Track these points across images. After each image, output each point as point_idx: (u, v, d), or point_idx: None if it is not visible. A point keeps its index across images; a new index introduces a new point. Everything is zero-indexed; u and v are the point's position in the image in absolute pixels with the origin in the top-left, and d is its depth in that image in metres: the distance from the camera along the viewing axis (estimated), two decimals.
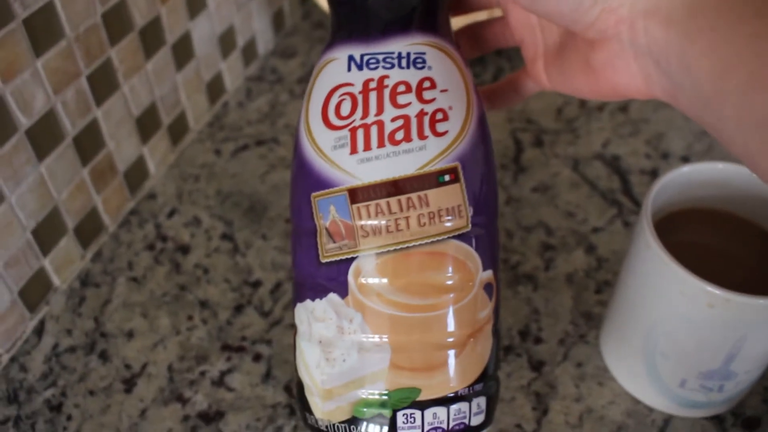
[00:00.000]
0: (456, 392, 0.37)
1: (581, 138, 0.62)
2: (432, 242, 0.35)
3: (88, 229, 0.54)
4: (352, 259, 0.35)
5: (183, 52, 0.60)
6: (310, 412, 0.38)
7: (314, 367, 0.38)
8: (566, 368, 0.47)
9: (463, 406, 0.37)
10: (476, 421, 0.37)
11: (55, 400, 0.46)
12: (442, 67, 0.36)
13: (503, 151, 0.61)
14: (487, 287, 0.37)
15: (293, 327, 0.48)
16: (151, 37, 0.55)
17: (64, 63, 0.47)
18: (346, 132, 0.35)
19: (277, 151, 0.62)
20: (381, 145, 0.34)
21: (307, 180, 0.36)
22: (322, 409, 0.37)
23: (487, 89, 0.42)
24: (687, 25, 0.27)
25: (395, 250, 0.35)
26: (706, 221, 0.44)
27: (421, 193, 0.35)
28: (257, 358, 0.47)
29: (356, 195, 0.35)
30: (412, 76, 0.35)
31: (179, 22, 0.58)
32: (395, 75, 0.35)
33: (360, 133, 0.35)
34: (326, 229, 0.36)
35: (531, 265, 0.52)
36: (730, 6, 0.26)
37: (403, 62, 0.35)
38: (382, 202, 0.35)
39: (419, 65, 0.35)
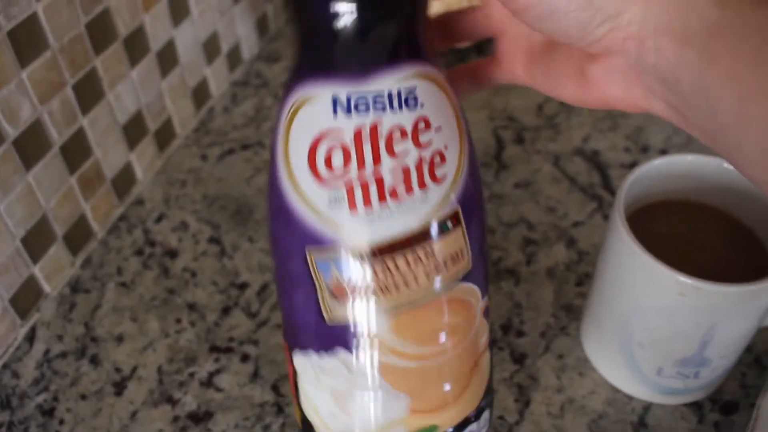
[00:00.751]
0: (468, 416, 0.38)
1: (562, 134, 0.63)
2: (440, 292, 0.34)
3: (77, 236, 0.55)
4: (362, 319, 0.34)
5: (167, 59, 0.61)
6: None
7: (327, 415, 0.38)
8: (548, 360, 0.48)
9: (474, 426, 0.39)
10: (484, 426, 0.40)
11: (47, 405, 0.47)
12: (434, 100, 0.33)
13: (485, 149, 0.62)
14: (485, 312, 0.38)
15: (281, 327, 0.49)
16: (136, 46, 0.56)
17: (50, 73, 0.48)
18: (342, 188, 0.32)
19: (263, 154, 0.63)
20: (382, 201, 0.32)
21: (298, 233, 0.33)
22: None
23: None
24: (706, 47, 0.25)
25: (406, 307, 0.34)
26: (680, 212, 0.45)
27: (427, 246, 0.33)
28: (245, 358, 0.48)
29: (360, 257, 0.32)
30: (407, 118, 0.32)
31: (163, 30, 0.59)
32: (388, 119, 0.31)
33: (358, 190, 0.32)
34: (329, 289, 0.34)
35: (513, 260, 0.53)
36: (755, 29, 0.25)
37: (395, 102, 0.31)
38: (389, 261, 0.33)
39: (412, 104, 0.32)
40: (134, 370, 0.48)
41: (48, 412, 0.46)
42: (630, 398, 0.46)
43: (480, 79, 0.38)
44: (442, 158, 0.33)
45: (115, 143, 0.57)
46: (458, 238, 0.34)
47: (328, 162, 0.32)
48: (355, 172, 0.31)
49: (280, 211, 0.34)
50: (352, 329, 0.34)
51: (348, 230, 0.32)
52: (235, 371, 0.48)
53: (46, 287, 0.53)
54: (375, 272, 0.33)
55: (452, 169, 0.33)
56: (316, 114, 0.32)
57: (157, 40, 0.59)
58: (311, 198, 0.32)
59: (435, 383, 0.36)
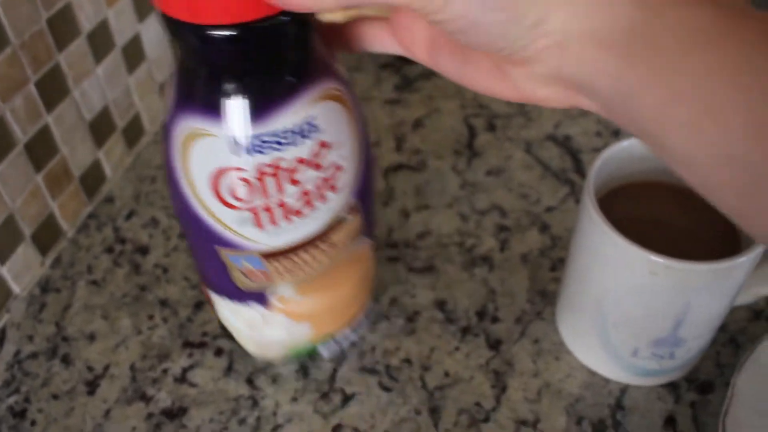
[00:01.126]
0: (356, 315, 0.45)
1: (533, 120, 0.63)
2: (339, 261, 0.39)
3: (46, 235, 0.54)
4: (271, 288, 0.38)
5: (134, 54, 0.60)
6: (243, 349, 0.46)
7: (244, 333, 0.43)
8: (523, 345, 0.48)
9: (361, 318, 0.46)
10: (369, 315, 0.48)
11: (19, 407, 0.46)
12: (332, 119, 0.33)
13: (457, 137, 0.62)
14: (373, 245, 0.43)
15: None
16: (100, 41, 0.56)
17: (11, 70, 0.47)
18: (248, 212, 0.34)
19: None
20: (287, 219, 0.34)
21: (210, 239, 0.36)
22: (257, 353, 0.45)
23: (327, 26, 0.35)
24: (625, 51, 0.24)
25: (310, 278, 0.38)
26: (650, 193, 0.45)
27: (328, 239, 0.36)
28: (218, 352, 0.48)
29: (269, 255, 0.35)
30: (306, 149, 0.33)
31: (128, 25, 0.58)
32: (290, 154, 0.32)
33: (264, 214, 0.34)
34: (240, 271, 0.37)
35: (486, 247, 0.53)
36: (674, 30, 0.24)
37: (294, 138, 0.32)
38: (294, 256, 0.36)
39: (312, 133, 0.32)
40: (107, 368, 0.48)
41: (19, 414, 0.46)
42: (607, 381, 0.46)
43: (367, 41, 0.35)
44: (341, 169, 0.35)
45: (82, 141, 0.56)
46: (356, 221, 0.38)
47: (232, 192, 0.33)
48: (260, 201, 0.33)
49: (188, 216, 0.35)
50: (262, 295, 0.39)
51: (255, 240, 0.35)
52: (209, 366, 0.47)
53: (15, 288, 0.52)
54: (282, 264, 0.36)
55: (349, 174, 0.35)
56: (214, 150, 0.32)
57: (123, 35, 0.58)
58: (218, 215, 0.34)
59: (334, 311, 0.43)
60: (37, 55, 0.49)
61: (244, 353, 0.48)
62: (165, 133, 0.34)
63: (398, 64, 0.69)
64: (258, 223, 0.34)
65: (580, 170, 0.59)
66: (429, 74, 0.68)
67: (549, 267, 0.52)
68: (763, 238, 0.25)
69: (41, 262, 0.54)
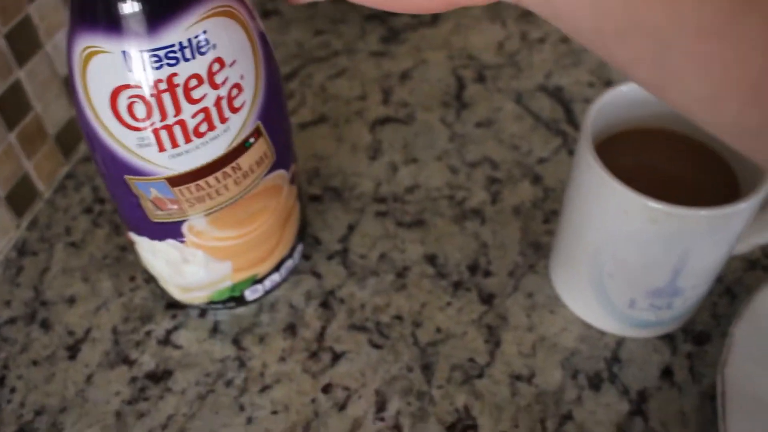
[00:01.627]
0: (283, 257, 0.45)
1: (523, 71, 0.61)
2: (249, 190, 0.39)
3: (21, 196, 0.52)
4: (184, 220, 0.38)
5: None
6: (170, 294, 0.45)
7: (166, 276, 0.43)
8: (517, 299, 0.46)
9: (289, 262, 0.46)
10: (297, 259, 0.47)
11: None
12: (226, 35, 0.34)
13: (445, 89, 0.60)
14: (292, 178, 0.42)
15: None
16: None
17: None
18: (148, 133, 0.34)
19: None
20: (188, 140, 0.34)
21: (116, 166, 0.36)
22: (181, 297, 0.45)
23: None
24: None
25: (221, 208, 0.38)
26: (647, 140, 0.44)
27: (234, 164, 0.37)
28: (203, 313, 0.46)
29: (175, 181, 0.36)
30: (200, 65, 0.33)
31: None
32: (183, 70, 0.33)
33: (164, 134, 0.34)
34: (151, 201, 0.37)
35: (477, 199, 0.52)
36: None
37: (187, 53, 0.32)
38: (201, 181, 0.36)
39: (204, 49, 0.33)
40: (88, 332, 0.46)
41: None
42: (602, 333, 0.45)
43: None
44: (240, 88, 0.35)
45: (56, 97, 0.54)
46: (262, 146, 0.38)
47: (131, 111, 0.33)
48: (158, 120, 0.33)
49: (95, 144, 0.36)
50: (175, 227, 0.39)
51: (159, 165, 0.35)
52: (193, 327, 0.46)
53: None
54: (190, 190, 0.36)
55: (249, 95, 0.36)
56: (110, 67, 0.32)
57: None
58: (120, 139, 0.34)
59: (253, 248, 0.42)
60: (5, 7, 0.47)
61: (230, 314, 0.46)
62: (67, 56, 0.34)
63: (384, 15, 0.67)
64: (159, 145, 0.34)
65: (572, 121, 0.57)
66: (416, 25, 0.66)
67: (542, 219, 0.50)
68: (680, 107, 0.24)
69: (17, 224, 0.52)
